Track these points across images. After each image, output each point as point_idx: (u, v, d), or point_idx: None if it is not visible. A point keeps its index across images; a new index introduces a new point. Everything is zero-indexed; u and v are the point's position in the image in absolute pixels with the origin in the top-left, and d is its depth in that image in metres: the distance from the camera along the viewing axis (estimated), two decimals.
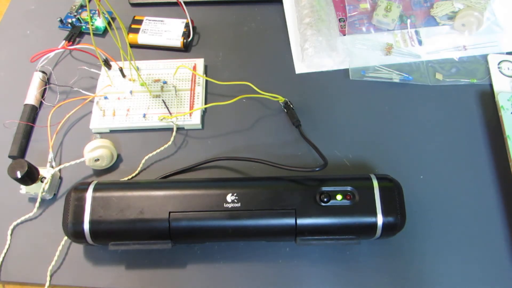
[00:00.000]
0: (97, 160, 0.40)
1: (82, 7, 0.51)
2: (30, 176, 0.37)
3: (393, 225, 0.34)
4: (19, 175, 0.36)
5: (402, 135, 0.43)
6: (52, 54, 0.46)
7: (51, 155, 0.41)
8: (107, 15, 0.49)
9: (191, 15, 0.49)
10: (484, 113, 0.44)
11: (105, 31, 0.50)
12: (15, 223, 0.39)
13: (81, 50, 0.46)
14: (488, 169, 0.41)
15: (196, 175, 0.42)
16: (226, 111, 0.45)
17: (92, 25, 0.50)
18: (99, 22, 0.50)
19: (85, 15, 0.50)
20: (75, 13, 0.51)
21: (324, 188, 0.35)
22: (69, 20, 0.50)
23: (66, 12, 0.51)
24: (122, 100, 0.44)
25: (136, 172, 0.42)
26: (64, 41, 0.49)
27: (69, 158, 0.41)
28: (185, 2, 0.48)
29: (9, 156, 0.42)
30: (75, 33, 0.50)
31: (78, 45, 0.48)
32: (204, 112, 0.45)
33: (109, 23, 0.50)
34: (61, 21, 0.50)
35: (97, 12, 0.51)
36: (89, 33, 0.50)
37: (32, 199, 0.40)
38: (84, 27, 0.50)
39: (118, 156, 0.43)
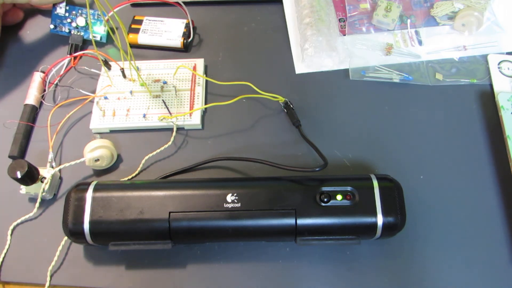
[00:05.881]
0: (97, 160, 0.40)
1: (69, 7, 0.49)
2: (30, 176, 0.37)
3: (393, 225, 0.34)
4: (19, 175, 0.36)
5: (402, 135, 0.43)
6: (62, 63, 0.46)
7: (51, 155, 0.41)
8: (109, 19, 0.47)
9: (191, 15, 0.49)
10: (484, 113, 0.44)
11: (107, 37, 0.49)
12: (15, 223, 0.39)
13: (87, 55, 0.46)
14: (488, 169, 0.41)
15: (196, 175, 0.42)
16: (226, 111, 0.45)
17: (93, 36, 0.49)
18: (101, 30, 0.49)
19: (81, 21, 0.48)
20: (70, 19, 0.48)
21: (324, 188, 0.35)
22: (66, 29, 0.49)
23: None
24: (122, 100, 0.44)
25: (136, 172, 0.42)
26: (69, 54, 0.48)
27: (69, 158, 0.41)
28: (185, 2, 0.48)
29: (9, 156, 0.42)
30: (78, 44, 0.48)
31: (80, 51, 0.48)
32: (204, 112, 0.45)
33: (111, 29, 0.48)
34: (54, 26, 0.49)
35: (94, 14, 0.49)
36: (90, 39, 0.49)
37: (32, 199, 0.40)
38: (83, 34, 0.49)
39: (118, 156, 0.43)
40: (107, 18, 0.46)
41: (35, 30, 0.51)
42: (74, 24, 0.49)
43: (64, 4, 0.49)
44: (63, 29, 0.49)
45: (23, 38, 0.51)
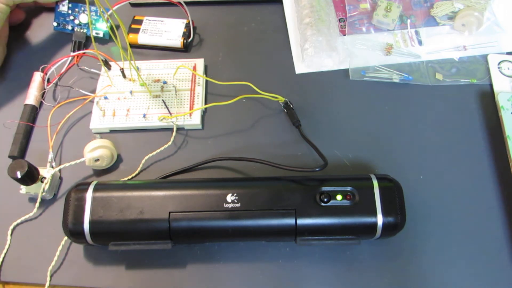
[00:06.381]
0: (97, 160, 0.40)
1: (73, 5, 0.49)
2: (30, 176, 0.37)
3: (393, 225, 0.34)
4: (19, 175, 0.36)
5: (402, 135, 0.43)
6: (63, 61, 0.46)
7: (51, 155, 0.41)
8: (109, 19, 0.48)
9: (191, 15, 0.49)
10: (484, 113, 0.44)
11: (109, 35, 0.50)
12: (15, 223, 0.39)
13: (87, 55, 0.46)
14: (488, 169, 0.41)
15: (196, 175, 0.42)
16: (226, 111, 0.45)
17: (96, 33, 0.49)
18: (103, 26, 0.49)
19: (84, 18, 0.49)
20: (72, 16, 0.49)
21: (324, 188, 0.35)
22: (69, 27, 0.49)
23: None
24: (122, 100, 0.44)
25: (136, 172, 0.42)
26: (72, 52, 0.48)
27: (69, 158, 0.41)
28: (185, 2, 0.48)
29: (9, 156, 0.42)
30: (81, 41, 0.49)
31: (81, 50, 0.48)
32: (204, 112, 0.45)
33: (111, 28, 0.48)
34: (58, 24, 0.49)
35: (97, 11, 0.50)
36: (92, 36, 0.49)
37: (32, 199, 0.40)
38: (86, 31, 0.49)
39: (118, 156, 0.43)
40: (107, 17, 0.47)
41: (38, 29, 0.51)
42: (77, 22, 0.49)
43: (67, 1, 0.49)
44: (66, 27, 0.49)
45: (26, 37, 0.51)
